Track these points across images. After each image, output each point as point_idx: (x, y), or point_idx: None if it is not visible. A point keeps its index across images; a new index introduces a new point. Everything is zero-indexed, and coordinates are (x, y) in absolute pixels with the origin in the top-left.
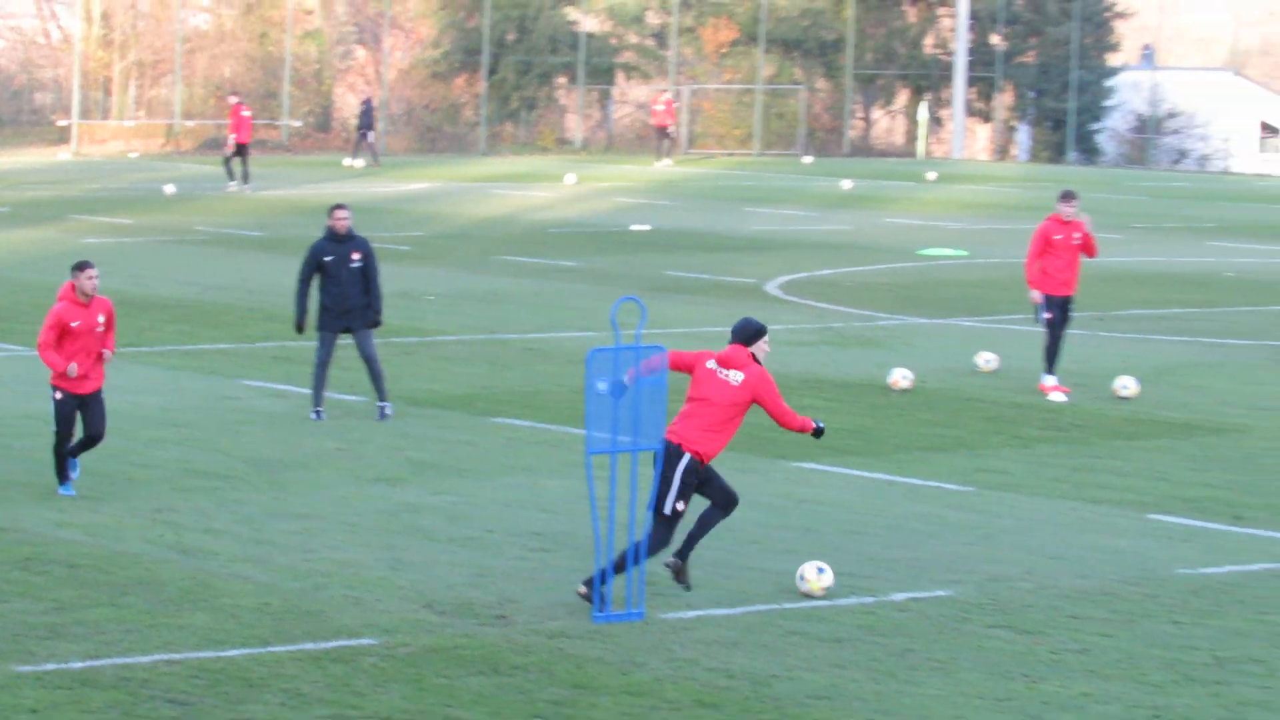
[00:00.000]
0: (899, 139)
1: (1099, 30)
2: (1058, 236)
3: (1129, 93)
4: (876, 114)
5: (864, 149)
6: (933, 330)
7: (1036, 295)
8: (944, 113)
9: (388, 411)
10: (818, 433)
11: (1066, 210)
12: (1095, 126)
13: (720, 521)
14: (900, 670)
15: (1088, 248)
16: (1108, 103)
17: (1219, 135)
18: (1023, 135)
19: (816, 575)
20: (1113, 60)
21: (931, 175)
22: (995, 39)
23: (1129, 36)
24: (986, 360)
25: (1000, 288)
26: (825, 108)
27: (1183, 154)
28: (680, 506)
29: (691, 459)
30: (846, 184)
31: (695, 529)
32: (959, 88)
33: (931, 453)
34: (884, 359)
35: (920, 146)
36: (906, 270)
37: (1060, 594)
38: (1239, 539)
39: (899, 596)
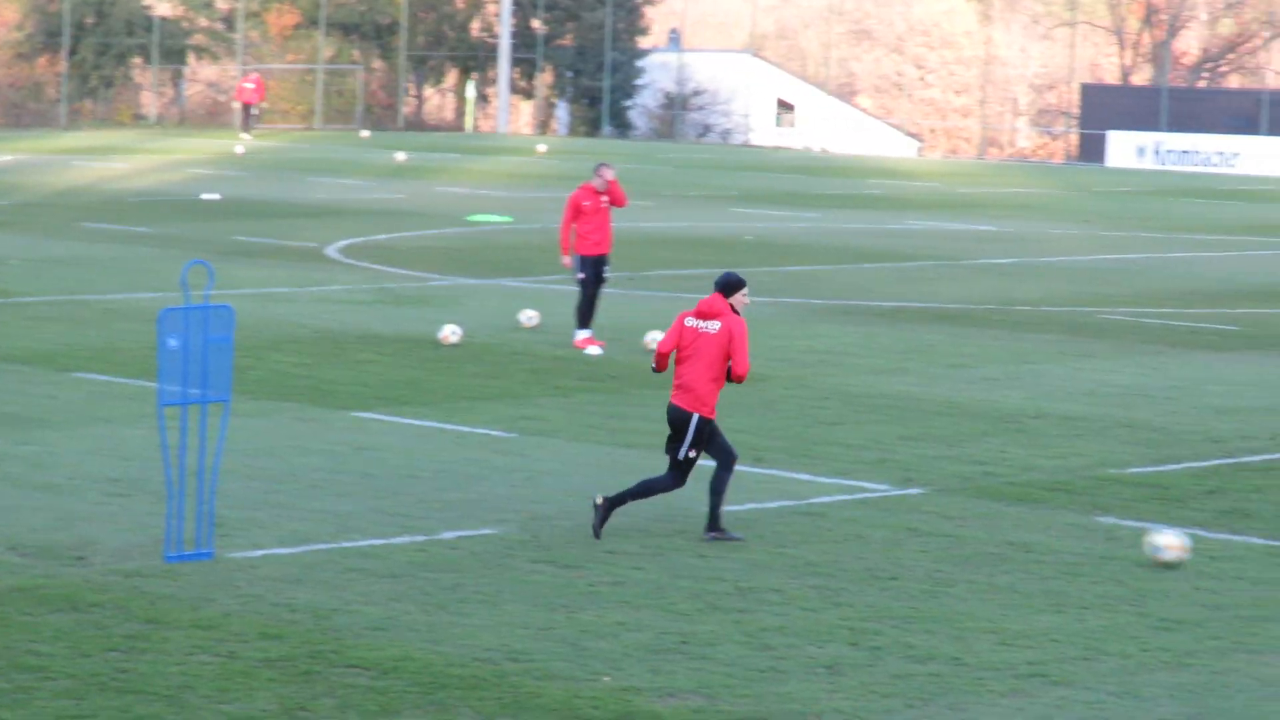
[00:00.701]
0: (449, 115)
1: (630, 15)
2: (587, 203)
3: (658, 73)
4: (428, 92)
5: (417, 124)
6: (480, 290)
7: (566, 260)
8: (490, 91)
9: None
10: None
11: (599, 182)
12: (628, 103)
13: (729, 481)
14: (450, 603)
15: (616, 198)
16: (639, 82)
17: (740, 111)
18: (562, 111)
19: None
20: (643, 43)
21: (542, 148)
22: (536, 24)
23: (658, 21)
24: (529, 317)
25: (541, 251)
26: (381, 86)
27: (707, 128)
28: (693, 454)
29: (700, 418)
30: (400, 156)
31: (712, 499)
32: (503, 68)
33: (479, 402)
34: (435, 316)
35: (468, 122)
36: (456, 235)
37: None
38: (759, 478)
39: (449, 535)
